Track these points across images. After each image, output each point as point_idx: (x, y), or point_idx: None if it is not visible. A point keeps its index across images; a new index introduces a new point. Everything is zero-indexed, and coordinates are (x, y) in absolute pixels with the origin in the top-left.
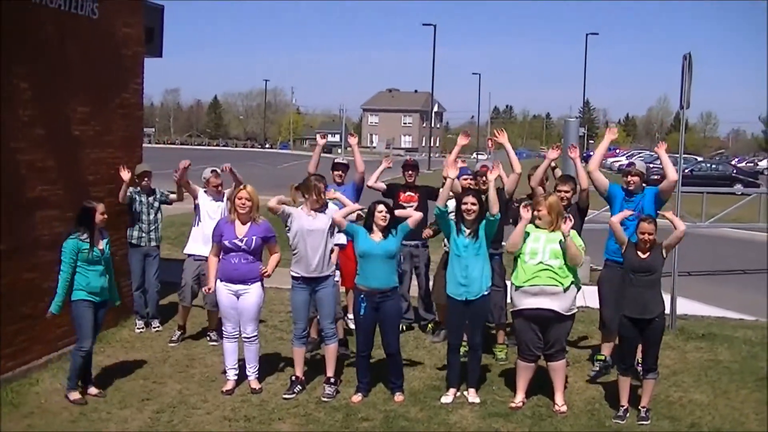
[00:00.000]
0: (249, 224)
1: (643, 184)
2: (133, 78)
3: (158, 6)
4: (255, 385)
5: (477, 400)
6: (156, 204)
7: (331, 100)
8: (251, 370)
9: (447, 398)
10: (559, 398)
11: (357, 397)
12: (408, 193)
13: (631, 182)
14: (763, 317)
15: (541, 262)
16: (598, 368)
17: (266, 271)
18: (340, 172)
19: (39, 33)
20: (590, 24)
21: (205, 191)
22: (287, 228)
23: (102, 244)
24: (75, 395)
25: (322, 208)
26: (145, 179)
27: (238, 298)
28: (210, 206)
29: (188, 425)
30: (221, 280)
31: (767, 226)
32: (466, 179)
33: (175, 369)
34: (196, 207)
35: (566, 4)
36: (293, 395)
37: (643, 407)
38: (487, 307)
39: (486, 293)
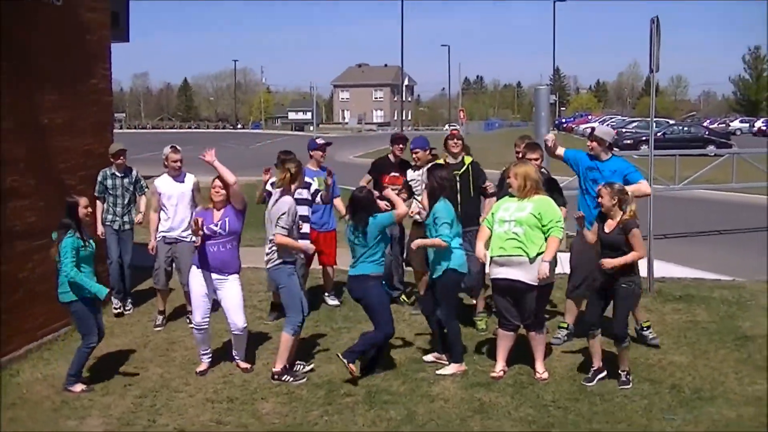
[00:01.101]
0: (223, 209)
1: (609, 152)
2: (101, 63)
3: None
4: (244, 365)
5: (449, 372)
6: (130, 187)
7: (301, 77)
8: (239, 356)
9: (427, 357)
10: (539, 366)
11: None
12: (393, 173)
13: (589, 147)
14: (740, 277)
15: (507, 231)
16: (560, 335)
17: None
18: (321, 153)
19: (2, 22)
20: None
21: (166, 172)
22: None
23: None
24: (79, 387)
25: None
26: (121, 158)
27: (215, 291)
28: (170, 188)
29: (171, 409)
30: (197, 267)
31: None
32: (417, 152)
33: (155, 353)
34: (159, 195)
35: None
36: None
37: (623, 371)
38: (451, 284)
39: (447, 270)
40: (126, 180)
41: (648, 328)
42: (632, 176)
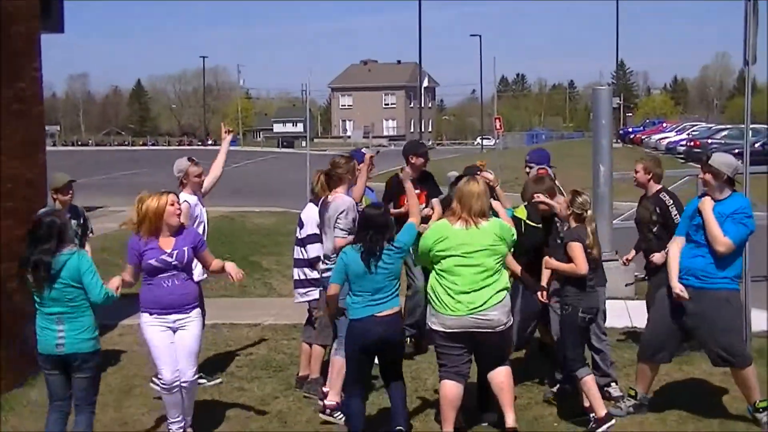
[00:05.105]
0: (174, 235)
1: (727, 188)
2: (29, 62)
3: None
4: None
5: None
6: (79, 230)
7: (289, 79)
8: (187, 420)
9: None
10: None
11: None
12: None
13: (702, 180)
14: None
15: None
16: (622, 406)
17: (236, 276)
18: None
19: None
20: None
21: (184, 190)
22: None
23: None
24: None
25: None
26: (69, 193)
27: (174, 332)
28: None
29: None
30: (150, 314)
31: None
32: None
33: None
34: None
35: None
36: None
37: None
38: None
39: None
40: (74, 221)
41: (765, 409)
42: (728, 226)
